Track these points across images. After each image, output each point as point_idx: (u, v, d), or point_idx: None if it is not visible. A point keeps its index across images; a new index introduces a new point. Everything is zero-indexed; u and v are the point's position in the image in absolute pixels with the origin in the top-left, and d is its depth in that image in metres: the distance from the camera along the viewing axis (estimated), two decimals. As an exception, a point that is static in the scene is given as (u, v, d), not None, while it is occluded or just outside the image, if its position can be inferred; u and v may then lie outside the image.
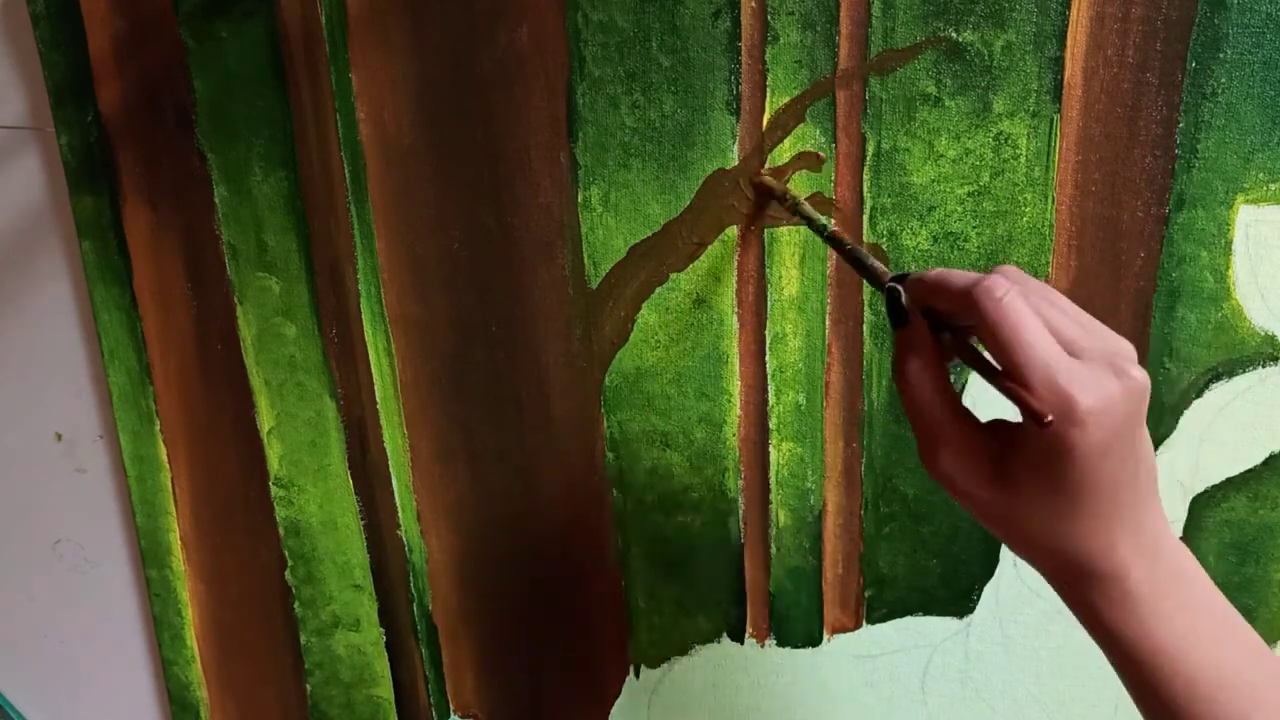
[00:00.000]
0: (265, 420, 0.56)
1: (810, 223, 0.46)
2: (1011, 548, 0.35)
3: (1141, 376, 0.31)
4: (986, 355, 0.35)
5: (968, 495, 0.34)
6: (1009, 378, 0.32)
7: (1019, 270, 0.35)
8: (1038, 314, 0.32)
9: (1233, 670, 0.33)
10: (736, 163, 0.49)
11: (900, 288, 0.37)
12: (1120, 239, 0.48)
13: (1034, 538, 0.33)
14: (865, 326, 0.51)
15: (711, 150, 0.49)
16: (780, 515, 0.54)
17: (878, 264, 0.40)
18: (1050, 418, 0.30)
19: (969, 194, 0.48)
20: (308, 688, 0.60)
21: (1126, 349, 0.32)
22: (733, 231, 0.50)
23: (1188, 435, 0.50)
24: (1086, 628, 0.34)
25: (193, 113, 0.51)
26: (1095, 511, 0.32)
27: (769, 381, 0.52)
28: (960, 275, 0.34)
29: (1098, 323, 0.34)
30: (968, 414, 0.35)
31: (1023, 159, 0.48)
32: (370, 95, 0.50)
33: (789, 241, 0.50)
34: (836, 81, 0.48)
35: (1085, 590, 0.33)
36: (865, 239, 0.49)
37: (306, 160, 0.51)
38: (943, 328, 0.36)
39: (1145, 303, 0.49)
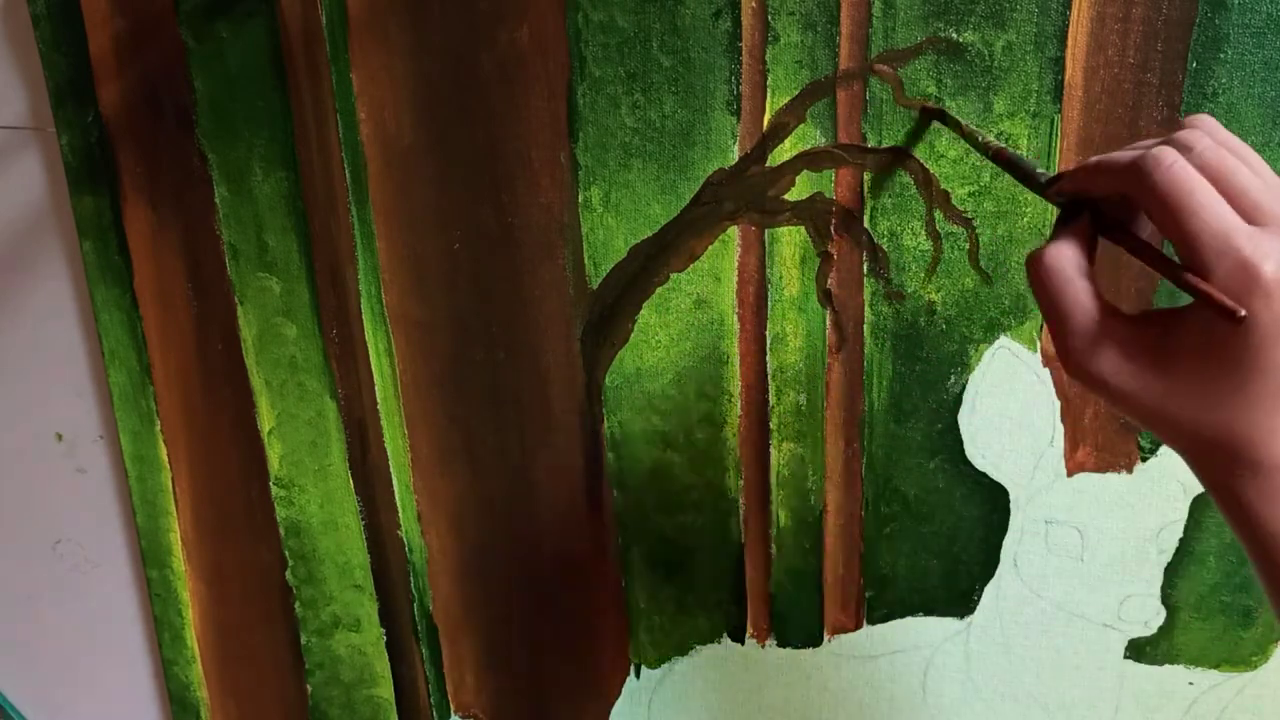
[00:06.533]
0: (266, 420, 0.56)
1: (972, 140, 0.44)
2: (1155, 434, 0.32)
3: None
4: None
5: (1122, 392, 0.31)
6: (1184, 268, 0.29)
7: (1212, 121, 0.32)
8: (1223, 174, 0.30)
9: None
10: (736, 162, 0.49)
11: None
12: (1121, 239, 0.48)
13: (1186, 425, 0.31)
14: (865, 327, 0.51)
15: (712, 150, 0.49)
16: (780, 516, 0.54)
17: (1037, 169, 0.39)
18: (1242, 313, 0.28)
19: (969, 194, 0.48)
20: (308, 688, 0.60)
21: None
22: (733, 231, 0.50)
23: (1188, 435, 0.50)
24: (1227, 517, 0.32)
25: (193, 113, 0.51)
26: (1262, 395, 0.29)
27: (769, 382, 0.52)
28: (1122, 153, 0.32)
29: None
30: (1114, 307, 0.32)
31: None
32: (371, 95, 0.50)
33: (789, 241, 0.50)
34: (837, 81, 0.48)
35: (1234, 479, 0.31)
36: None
37: (307, 160, 0.51)
38: (1104, 228, 0.34)
39: (1145, 303, 0.49)
